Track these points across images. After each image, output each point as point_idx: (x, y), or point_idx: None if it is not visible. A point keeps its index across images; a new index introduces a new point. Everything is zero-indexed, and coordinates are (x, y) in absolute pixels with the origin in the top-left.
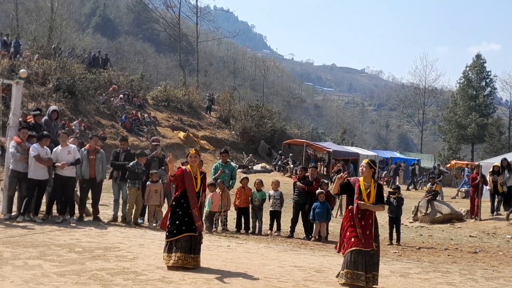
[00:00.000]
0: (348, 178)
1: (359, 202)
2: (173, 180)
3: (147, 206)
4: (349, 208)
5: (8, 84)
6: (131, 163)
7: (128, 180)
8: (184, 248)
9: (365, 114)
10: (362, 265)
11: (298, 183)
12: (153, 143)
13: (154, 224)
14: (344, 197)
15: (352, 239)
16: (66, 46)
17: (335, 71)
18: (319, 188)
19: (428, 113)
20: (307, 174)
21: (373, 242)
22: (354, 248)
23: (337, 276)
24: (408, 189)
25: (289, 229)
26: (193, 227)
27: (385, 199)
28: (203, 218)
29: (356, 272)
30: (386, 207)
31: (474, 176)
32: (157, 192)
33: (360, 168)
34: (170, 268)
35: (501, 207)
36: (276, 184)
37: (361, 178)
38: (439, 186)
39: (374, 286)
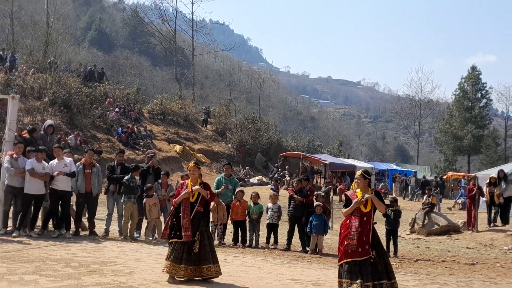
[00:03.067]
0: (346, 193)
1: (368, 195)
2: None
3: (143, 220)
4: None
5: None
6: (125, 178)
7: (124, 195)
8: (175, 257)
9: (361, 126)
10: (357, 274)
11: (296, 196)
12: (148, 155)
13: (151, 238)
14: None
15: (349, 251)
16: (62, 60)
17: (331, 83)
18: (316, 200)
19: (424, 124)
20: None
21: (371, 249)
22: (350, 259)
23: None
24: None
25: (286, 242)
26: (178, 233)
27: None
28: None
29: (351, 281)
30: (384, 206)
31: (471, 188)
32: (155, 205)
33: (355, 181)
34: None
35: (498, 219)
36: (274, 197)
37: (358, 190)
38: (436, 198)
39: None
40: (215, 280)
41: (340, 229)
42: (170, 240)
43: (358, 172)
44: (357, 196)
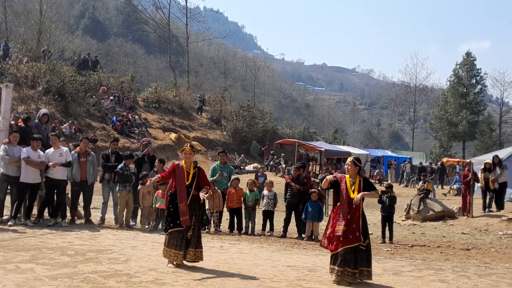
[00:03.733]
0: (335, 174)
1: (357, 197)
2: (163, 179)
3: (139, 209)
4: (337, 205)
5: None
6: (119, 166)
7: (118, 184)
8: (174, 245)
9: (357, 113)
10: (352, 262)
11: (293, 184)
12: (143, 143)
13: (147, 226)
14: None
15: (341, 238)
16: (55, 49)
17: (326, 70)
18: (311, 188)
19: (419, 111)
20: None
21: (361, 235)
22: (344, 247)
23: (331, 272)
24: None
25: (282, 229)
26: (178, 221)
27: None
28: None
29: (347, 269)
30: (376, 194)
31: (466, 174)
32: (149, 193)
33: (346, 167)
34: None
35: (493, 204)
36: (270, 185)
37: (347, 176)
38: (431, 184)
39: (367, 281)
40: (211, 267)
41: (331, 218)
42: (170, 231)
43: (350, 159)
44: (345, 182)
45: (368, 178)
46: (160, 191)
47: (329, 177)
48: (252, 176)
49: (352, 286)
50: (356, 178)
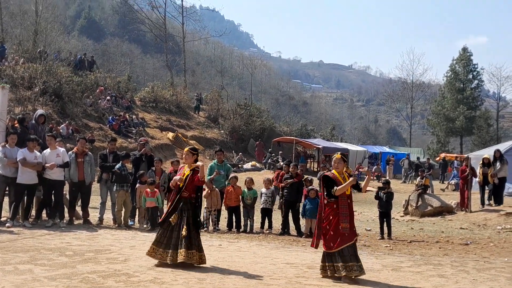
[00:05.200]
0: (326, 173)
1: (335, 188)
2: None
3: (137, 208)
4: (331, 200)
5: None
6: (116, 166)
7: (116, 184)
8: (162, 243)
9: (354, 110)
10: (354, 256)
11: (286, 181)
12: (141, 143)
13: (145, 226)
14: None
15: (346, 235)
16: (51, 50)
17: (322, 67)
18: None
19: (416, 107)
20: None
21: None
22: (348, 243)
23: (324, 273)
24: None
25: (281, 227)
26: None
27: (375, 194)
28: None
29: (349, 264)
30: (368, 188)
31: (464, 169)
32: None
33: (334, 164)
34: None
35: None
36: (268, 182)
37: (334, 171)
38: (429, 180)
39: (361, 276)
40: (210, 265)
41: (327, 214)
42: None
43: (337, 155)
44: (337, 178)
45: (351, 171)
46: (148, 190)
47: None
48: (250, 174)
49: (354, 281)
50: (344, 174)
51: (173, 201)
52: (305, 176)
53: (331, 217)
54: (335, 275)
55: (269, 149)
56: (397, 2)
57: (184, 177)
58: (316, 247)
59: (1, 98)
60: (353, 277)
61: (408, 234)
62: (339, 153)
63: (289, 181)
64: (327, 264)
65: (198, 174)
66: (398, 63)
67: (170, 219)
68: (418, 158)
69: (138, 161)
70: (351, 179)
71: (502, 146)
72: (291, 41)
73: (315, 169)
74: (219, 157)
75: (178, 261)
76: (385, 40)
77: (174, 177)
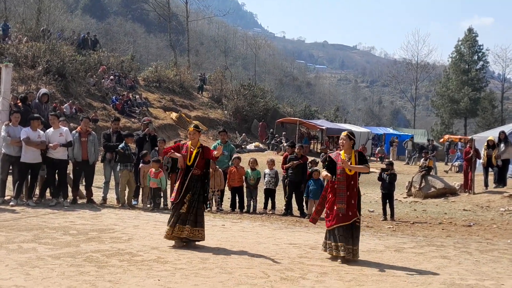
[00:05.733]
0: (330, 154)
1: (343, 160)
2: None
3: (140, 188)
4: (332, 179)
5: None
6: (120, 146)
7: (119, 163)
8: (170, 221)
9: (358, 91)
10: (350, 238)
11: (291, 162)
12: (144, 122)
13: (148, 205)
14: None
15: (340, 215)
16: (55, 28)
17: (327, 48)
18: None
19: (420, 88)
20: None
21: (357, 211)
22: (342, 224)
23: (325, 250)
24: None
25: (284, 207)
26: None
27: (378, 175)
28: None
29: (344, 245)
30: (371, 169)
31: (468, 150)
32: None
33: (340, 141)
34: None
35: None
36: (271, 163)
37: (342, 151)
38: (432, 162)
39: (355, 259)
40: (214, 246)
41: (326, 193)
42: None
43: (344, 133)
44: (341, 158)
45: (362, 152)
46: (153, 169)
47: (324, 174)
48: (253, 155)
49: (349, 262)
50: (351, 152)
51: (185, 180)
52: (312, 158)
53: (330, 196)
54: (332, 253)
55: (271, 130)
56: None
57: (194, 155)
58: (314, 222)
59: (4, 77)
60: (341, 256)
61: (411, 216)
62: (346, 131)
63: (295, 162)
64: (327, 241)
65: (215, 152)
66: (403, 44)
67: (184, 200)
68: (429, 140)
69: (142, 141)
70: (361, 166)
71: (507, 128)
72: (296, 21)
73: (319, 150)
74: (223, 138)
75: (182, 236)
76: (390, 21)
77: (179, 158)
